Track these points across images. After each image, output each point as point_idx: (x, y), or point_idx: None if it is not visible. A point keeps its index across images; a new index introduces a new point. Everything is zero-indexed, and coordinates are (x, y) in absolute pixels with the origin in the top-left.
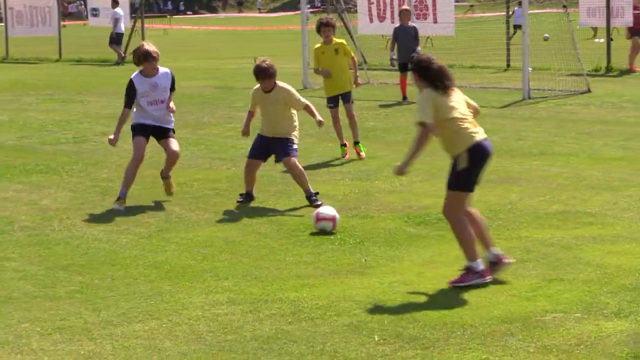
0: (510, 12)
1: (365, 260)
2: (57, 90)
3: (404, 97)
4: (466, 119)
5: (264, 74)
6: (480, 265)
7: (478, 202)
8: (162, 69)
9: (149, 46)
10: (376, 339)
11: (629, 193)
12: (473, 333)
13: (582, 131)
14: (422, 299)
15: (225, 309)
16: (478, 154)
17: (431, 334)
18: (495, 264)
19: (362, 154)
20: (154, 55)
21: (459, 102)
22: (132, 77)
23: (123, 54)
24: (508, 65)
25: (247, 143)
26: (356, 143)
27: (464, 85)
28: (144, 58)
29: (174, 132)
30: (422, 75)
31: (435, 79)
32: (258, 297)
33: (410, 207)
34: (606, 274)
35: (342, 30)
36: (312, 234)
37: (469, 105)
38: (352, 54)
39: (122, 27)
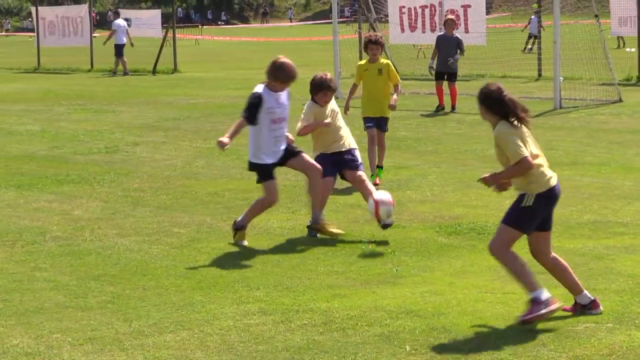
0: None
1: (396, 270)
2: (89, 101)
3: (441, 105)
4: (539, 157)
5: (327, 86)
6: (544, 293)
7: None
8: None
9: (287, 60)
10: (408, 350)
11: None
12: (505, 343)
13: (614, 141)
14: (454, 309)
15: (257, 319)
16: (548, 200)
17: (463, 345)
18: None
19: (378, 180)
20: (296, 75)
21: (531, 138)
22: (259, 90)
23: (126, 70)
24: (539, 75)
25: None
26: (378, 167)
27: None
28: (290, 78)
29: None
30: (491, 108)
31: (507, 111)
32: (289, 307)
33: (441, 217)
34: (638, 284)
35: None
36: (344, 243)
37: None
38: (398, 80)
39: (124, 38)
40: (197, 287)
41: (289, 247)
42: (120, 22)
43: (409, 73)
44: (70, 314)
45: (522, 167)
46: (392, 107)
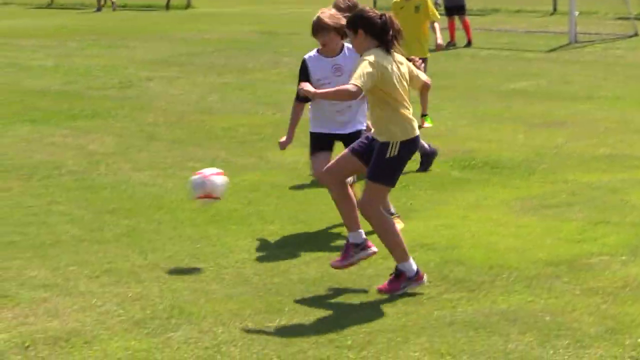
0: None
1: (410, 203)
2: (102, 36)
3: (451, 42)
4: (407, 101)
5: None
6: (413, 266)
7: (524, 145)
8: (347, 45)
9: (324, 13)
10: None
11: None
12: (518, 276)
13: (629, 75)
14: (468, 242)
15: (272, 252)
16: (410, 151)
17: (477, 277)
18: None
19: (427, 124)
20: (330, 25)
21: (405, 75)
22: (305, 56)
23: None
24: (554, 9)
25: (292, 89)
26: (423, 115)
27: (510, 29)
28: (316, 29)
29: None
30: (367, 31)
31: (381, 33)
32: (304, 241)
33: (455, 152)
34: None
35: None
36: (359, 177)
37: (415, 80)
38: (437, 17)
39: None
40: (211, 220)
41: (303, 181)
42: None
43: None
44: (86, 247)
45: (347, 92)
46: (441, 47)
